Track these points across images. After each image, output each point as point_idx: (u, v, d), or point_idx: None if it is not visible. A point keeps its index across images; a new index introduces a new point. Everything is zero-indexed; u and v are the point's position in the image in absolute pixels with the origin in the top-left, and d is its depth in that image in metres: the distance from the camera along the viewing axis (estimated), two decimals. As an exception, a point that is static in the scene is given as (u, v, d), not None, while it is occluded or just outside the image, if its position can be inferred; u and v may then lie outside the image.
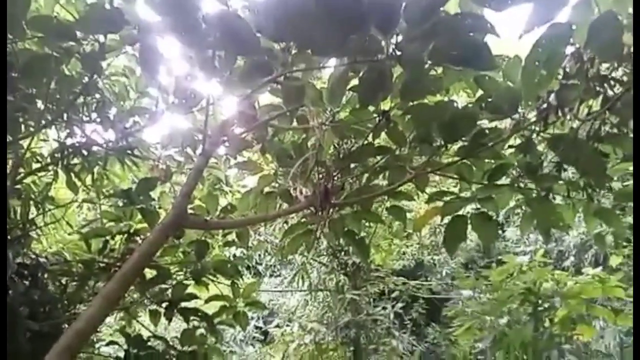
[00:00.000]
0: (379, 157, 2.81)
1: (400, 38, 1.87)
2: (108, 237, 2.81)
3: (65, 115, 2.53)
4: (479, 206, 2.69)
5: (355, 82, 2.43)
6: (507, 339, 4.24)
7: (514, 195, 2.77)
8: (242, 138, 2.64)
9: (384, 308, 7.07)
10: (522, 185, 2.62)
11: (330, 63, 2.57)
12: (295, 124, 2.88)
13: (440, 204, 2.76)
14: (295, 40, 2.25)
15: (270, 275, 10.61)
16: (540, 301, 4.30)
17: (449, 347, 8.34)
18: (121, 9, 2.07)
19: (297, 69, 2.34)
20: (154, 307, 3.27)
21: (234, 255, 8.03)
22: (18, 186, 2.63)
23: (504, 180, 2.64)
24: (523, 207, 2.85)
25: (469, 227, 2.63)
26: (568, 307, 4.20)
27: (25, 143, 2.64)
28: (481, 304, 5.06)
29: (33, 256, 2.67)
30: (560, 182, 2.52)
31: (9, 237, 2.58)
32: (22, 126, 2.53)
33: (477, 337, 4.82)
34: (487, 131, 2.46)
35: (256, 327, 10.29)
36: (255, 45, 2.12)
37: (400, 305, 7.31)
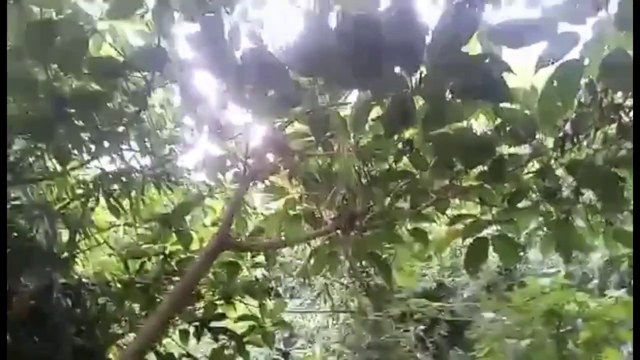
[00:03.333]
0: (400, 181, 2.93)
1: (423, 71, 2.02)
2: (145, 259, 2.98)
3: (108, 145, 2.72)
4: (499, 228, 2.78)
5: (377, 109, 2.58)
6: (531, 362, 4.23)
7: (534, 217, 2.85)
8: (273, 164, 2.81)
9: (406, 330, 7.05)
10: (541, 208, 2.70)
11: (355, 92, 2.73)
12: (320, 148, 3.04)
13: (461, 226, 2.85)
14: (322, 75, 2.42)
15: (291, 297, 10.65)
16: (562, 323, 4.28)
17: (472, 371, 8.20)
18: (164, 48, 2.28)
19: (324, 102, 2.49)
20: (184, 326, 3.41)
21: (256, 278, 8.12)
22: (63, 212, 2.82)
23: (524, 203, 2.73)
24: (544, 230, 2.92)
25: (490, 249, 2.72)
26: (591, 329, 4.17)
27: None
28: (504, 327, 5.04)
29: (76, 277, 2.85)
30: (579, 205, 2.59)
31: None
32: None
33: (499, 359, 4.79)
34: (506, 157, 2.56)
35: (277, 349, 10.29)
36: (285, 79, 2.29)
37: (422, 327, 7.28)
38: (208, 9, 2.18)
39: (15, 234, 2.74)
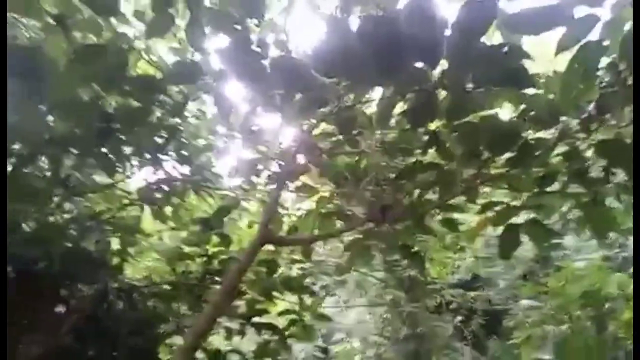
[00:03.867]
0: (428, 173, 2.98)
1: (444, 64, 2.09)
2: (189, 261, 3.15)
3: (149, 156, 2.89)
4: (531, 214, 2.80)
5: (401, 104, 2.66)
6: (571, 346, 4.19)
7: (565, 200, 2.85)
8: (303, 164, 2.92)
9: (444, 321, 7.08)
10: (571, 190, 2.70)
11: (379, 89, 2.81)
12: (347, 146, 3.13)
13: (491, 214, 2.89)
14: (346, 76, 2.51)
15: (326, 295, 10.79)
16: (601, 304, 4.23)
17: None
18: (198, 62, 2.43)
19: (349, 101, 2.59)
20: (227, 323, 3.56)
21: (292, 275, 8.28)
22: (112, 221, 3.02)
23: (554, 187, 2.74)
24: (575, 212, 2.92)
25: (524, 235, 2.74)
26: (631, 310, 4.11)
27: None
28: (542, 313, 5.01)
29: (126, 281, 3.05)
30: (610, 185, 2.59)
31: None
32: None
33: (538, 346, 4.77)
34: (532, 142, 2.59)
35: (315, 346, 10.45)
36: (312, 82, 2.39)
37: (459, 318, 7.29)
38: (236, 22, 2.31)
39: (70, 244, 2.95)
